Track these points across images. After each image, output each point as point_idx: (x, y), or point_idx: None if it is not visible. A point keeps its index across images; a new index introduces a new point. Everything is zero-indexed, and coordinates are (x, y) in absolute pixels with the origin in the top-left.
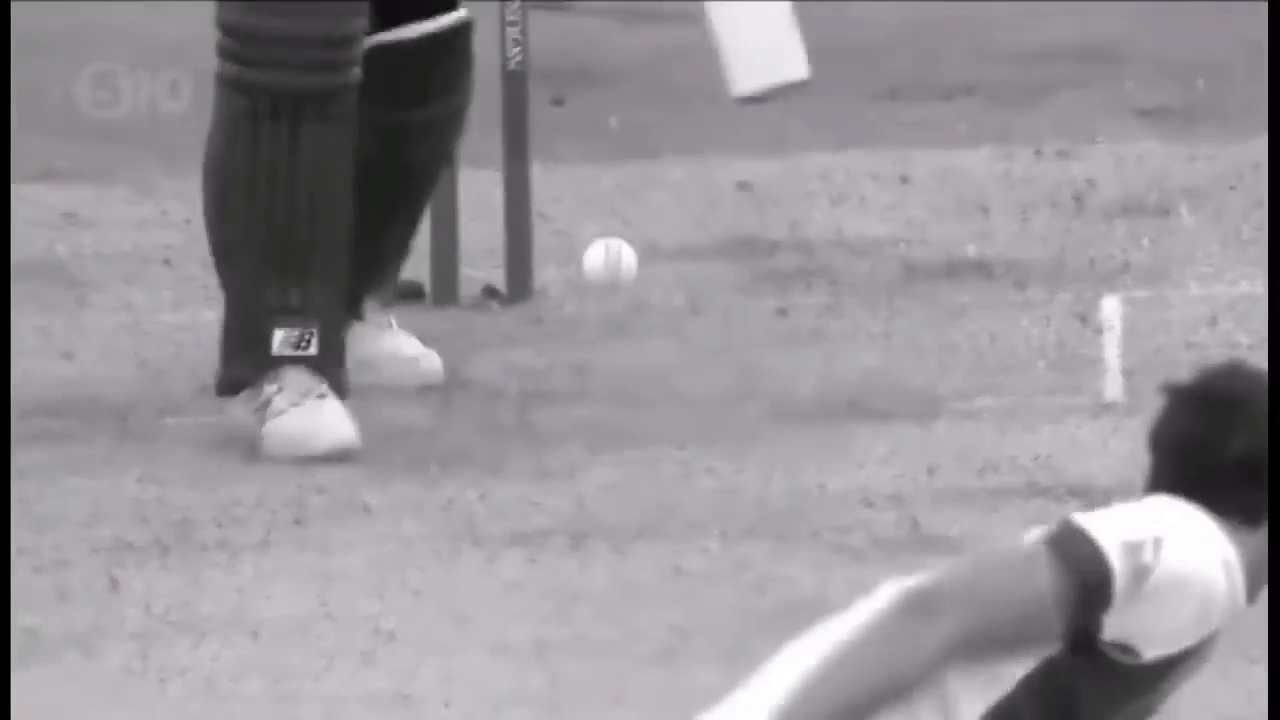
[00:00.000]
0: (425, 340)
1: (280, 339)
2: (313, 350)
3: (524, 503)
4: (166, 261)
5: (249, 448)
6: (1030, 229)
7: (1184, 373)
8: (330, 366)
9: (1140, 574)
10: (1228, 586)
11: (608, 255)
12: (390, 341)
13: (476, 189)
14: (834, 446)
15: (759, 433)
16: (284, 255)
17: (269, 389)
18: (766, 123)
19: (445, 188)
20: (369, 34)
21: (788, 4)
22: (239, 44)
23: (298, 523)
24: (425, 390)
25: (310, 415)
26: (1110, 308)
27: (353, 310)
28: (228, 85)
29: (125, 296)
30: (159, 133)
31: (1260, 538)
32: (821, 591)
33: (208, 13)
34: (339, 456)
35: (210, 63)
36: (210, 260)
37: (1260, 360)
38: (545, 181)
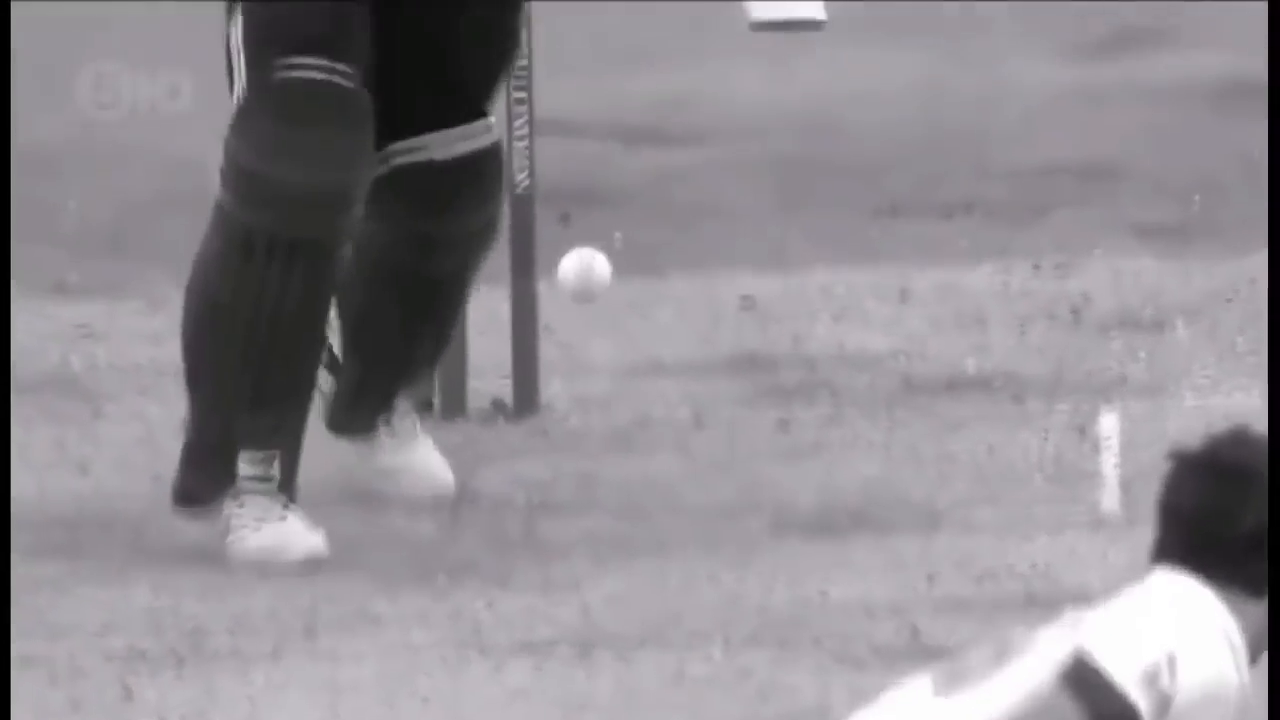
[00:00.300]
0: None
1: (245, 460)
2: (275, 474)
3: (530, 612)
4: (179, 374)
5: (263, 563)
6: (1028, 342)
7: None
8: (289, 485)
9: (1163, 705)
10: (1238, 678)
11: (580, 264)
12: (414, 454)
13: (484, 305)
14: (835, 556)
15: (761, 543)
16: (258, 386)
17: (231, 506)
18: (768, 238)
19: None
20: (403, 142)
21: None
22: (246, 183)
23: (308, 632)
24: (434, 501)
25: (276, 531)
26: (1108, 421)
27: (384, 418)
28: (226, 217)
29: (139, 409)
30: (168, 246)
31: (1263, 607)
32: (823, 699)
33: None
34: (309, 567)
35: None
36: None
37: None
38: (551, 297)
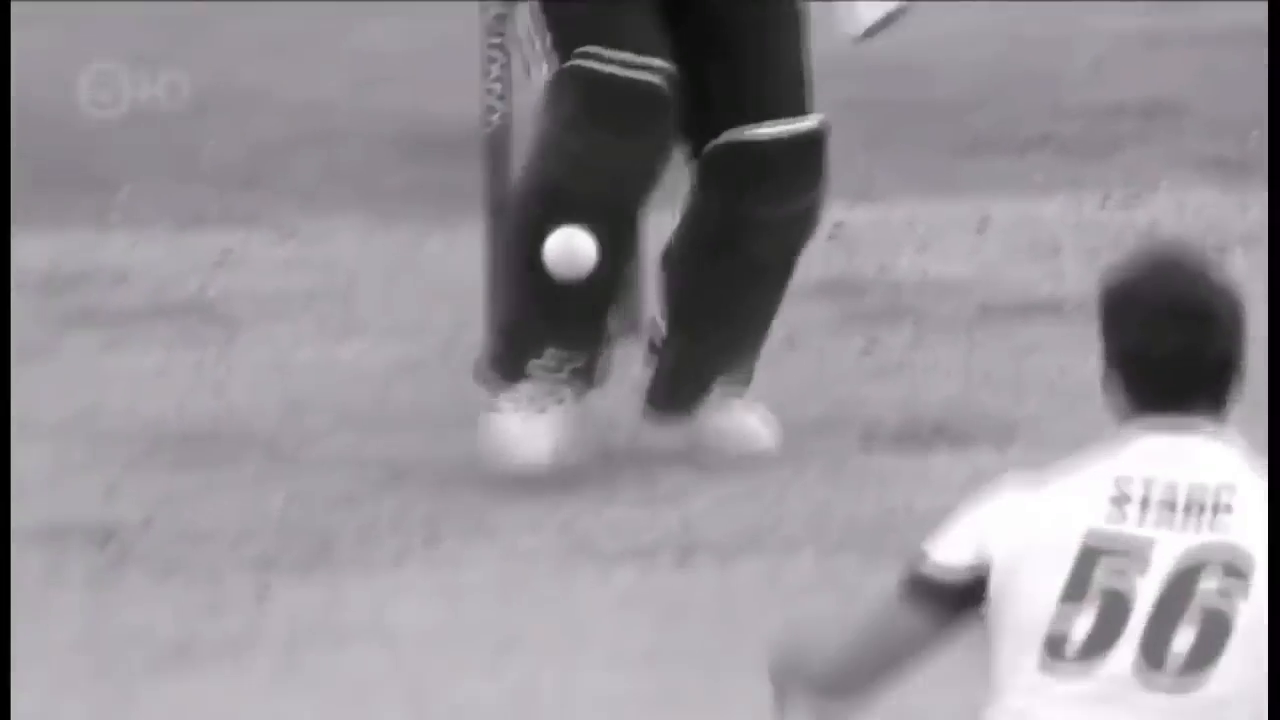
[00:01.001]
0: None
1: (538, 363)
2: (564, 374)
3: (635, 521)
4: (307, 300)
5: (389, 472)
6: (1098, 270)
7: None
8: (579, 379)
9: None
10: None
11: (565, 243)
12: (732, 417)
13: None
14: (918, 470)
15: (850, 457)
16: (556, 324)
17: (509, 393)
18: (857, 173)
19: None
20: (726, 129)
21: None
22: (553, 153)
23: (429, 540)
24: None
25: (518, 426)
26: None
27: (701, 401)
28: (535, 174)
29: (271, 333)
30: (298, 177)
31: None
32: None
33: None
34: (529, 471)
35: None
36: (349, 295)
37: None
38: (666, 227)
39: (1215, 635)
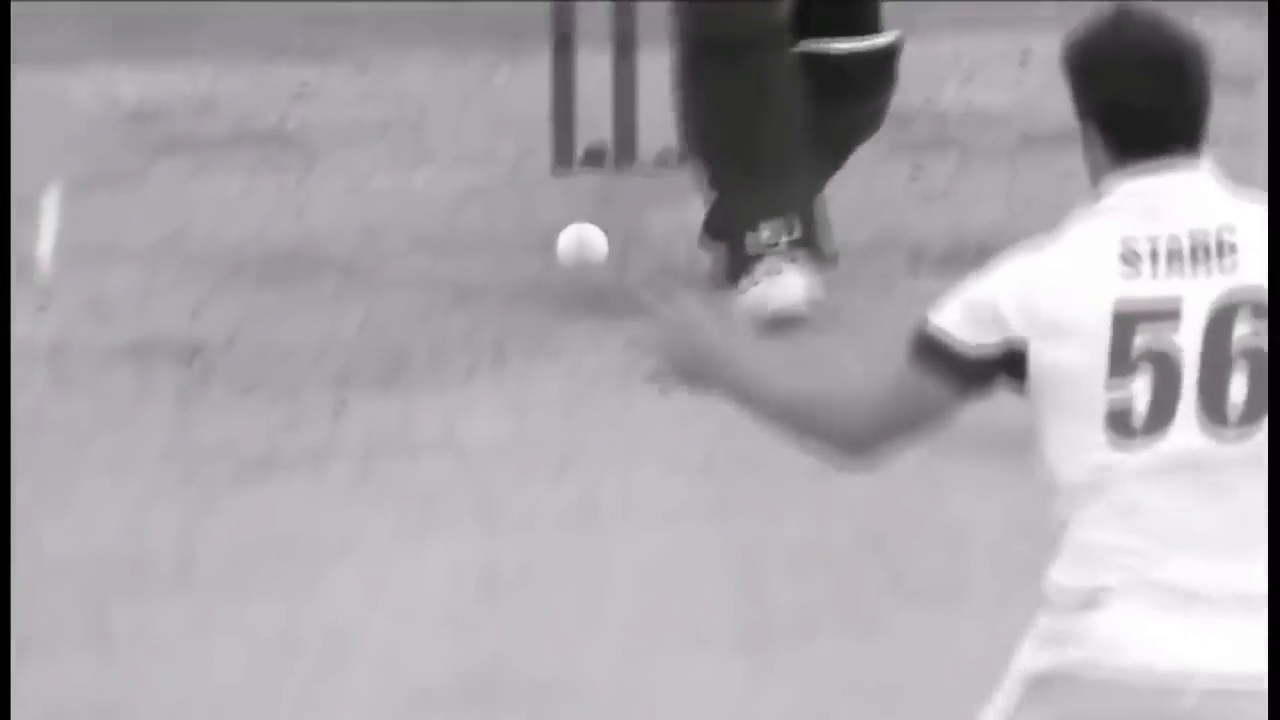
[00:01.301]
0: (606, 200)
1: (764, 227)
2: (782, 237)
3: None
4: (381, 130)
5: (459, 293)
6: None
7: None
8: (803, 244)
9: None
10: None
11: (577, 239)
12: (779, 282)
13: (660, 66)
14: None
15: (898, 278)
16: (749, 167)
17: (750, 273)
18: (903, 8)
19: (625, 58)
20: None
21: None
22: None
23: (497, 357)
24: (611, 244)
25: (771, 284)
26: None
27: (751, 237)
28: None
29: (348, 161)
30: (374, 12)
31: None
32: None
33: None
34: (789, 317)
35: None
36: (421, 125)
37: None
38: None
39: (1263, 377)
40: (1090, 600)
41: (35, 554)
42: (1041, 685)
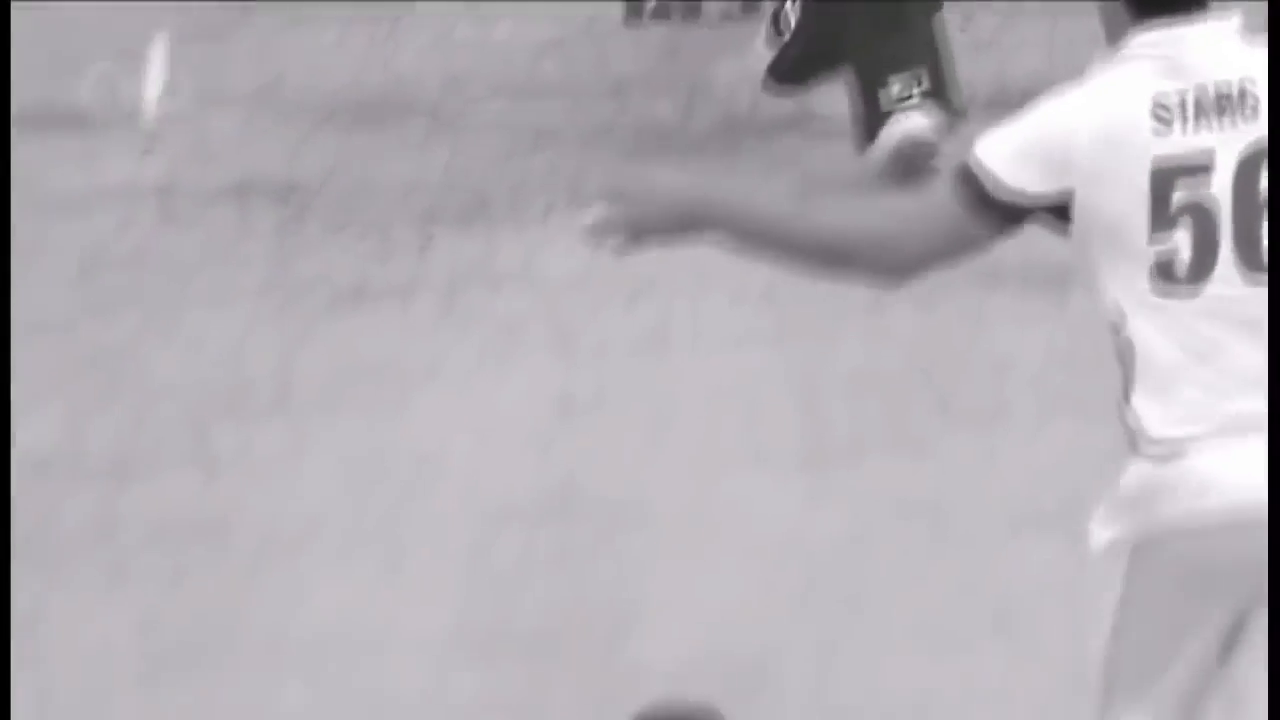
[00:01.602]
0: (673, 51)
1: (895, 81)
2: (922, 89)
3: (754, 182)
4: None
5: (537, 136)
6: None
7: None
8: (932, 95)
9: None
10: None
11: None
12: (908, 117)
13: None
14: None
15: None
16: (882, 17)
17: (887, 127)
18: None
19: None
20: None
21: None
22: None
23: (572, 196)
24: (676, 90)
25: (901, 119)
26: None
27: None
28: None
29: (432, 13)
30: None
31: None
32: (979, 310)
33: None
34: (918, 144)
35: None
36: None
37: None
38: None
39: None
40: (1178, 450)
41: (143, 381)
42: (1140, 549)
